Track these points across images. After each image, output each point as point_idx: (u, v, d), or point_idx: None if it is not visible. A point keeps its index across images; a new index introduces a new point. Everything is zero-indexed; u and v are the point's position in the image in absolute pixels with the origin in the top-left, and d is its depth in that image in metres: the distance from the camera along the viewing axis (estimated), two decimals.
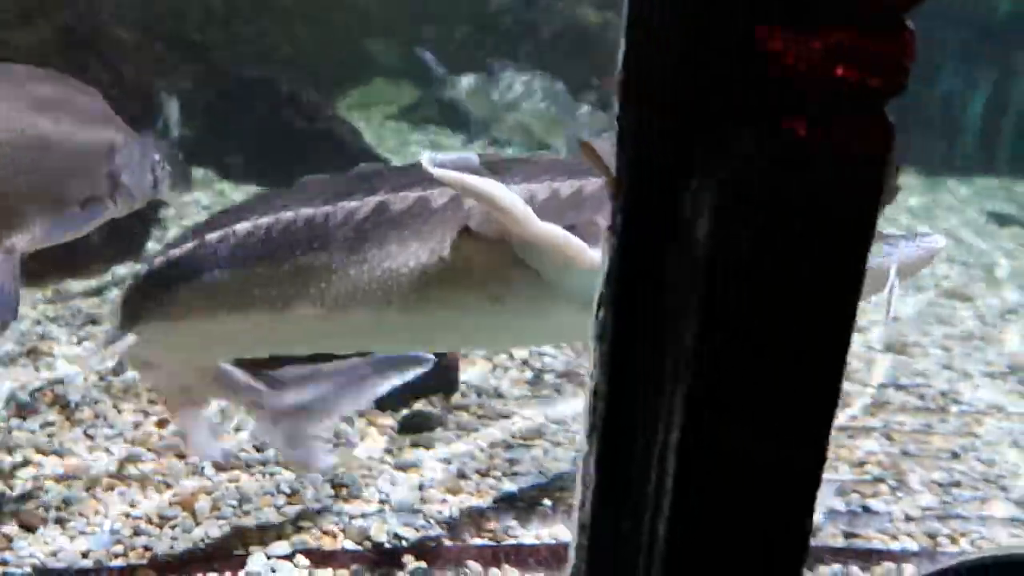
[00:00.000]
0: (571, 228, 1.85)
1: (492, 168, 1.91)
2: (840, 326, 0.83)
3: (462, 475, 2.85)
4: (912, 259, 2.08)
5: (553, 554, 2.58)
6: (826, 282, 0.80)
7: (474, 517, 2.62)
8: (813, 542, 2.68)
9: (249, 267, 1.95)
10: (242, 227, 1.99)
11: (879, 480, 3.17)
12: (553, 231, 1.77)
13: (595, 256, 1.68)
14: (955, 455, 3.45)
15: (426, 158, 1.80)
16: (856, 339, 4.47)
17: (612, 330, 0.87)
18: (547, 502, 2.75)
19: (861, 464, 3.25)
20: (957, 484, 3.19)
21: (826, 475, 2.85)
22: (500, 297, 1.88)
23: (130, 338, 2.08)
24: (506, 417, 3.31)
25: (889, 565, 2.66)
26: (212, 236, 2.02)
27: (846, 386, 3.90)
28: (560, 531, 2.65)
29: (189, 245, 2.05)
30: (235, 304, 1.97)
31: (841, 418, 3.64)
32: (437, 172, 1.78)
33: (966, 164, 9.38)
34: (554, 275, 1.84)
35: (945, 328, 4.87)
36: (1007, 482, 3.20)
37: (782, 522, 0.86)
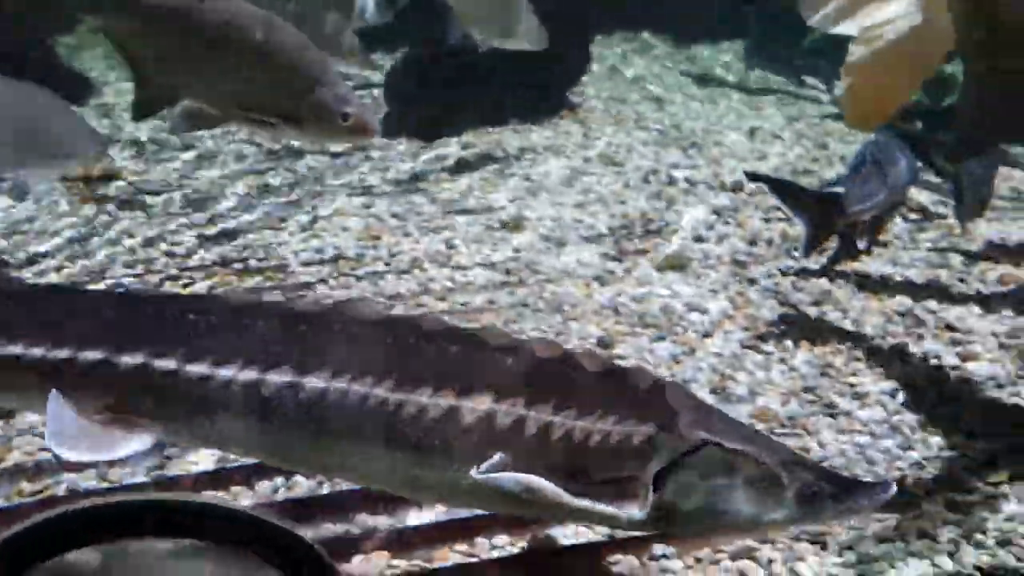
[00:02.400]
0: (611, 481, 1.91)
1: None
2: None
3: None
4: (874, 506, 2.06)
5: None
6: None
7: None
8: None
9: None
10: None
11: None
12: (589, 507, 1.88)
13: (631, 515, 1.87)
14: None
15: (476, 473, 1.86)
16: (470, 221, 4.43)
17: None
18: None
19: None
20: None
21: None
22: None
23: None
24: None
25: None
26: None
27: (411, 278, 3.82)
28: None
29: None
30: None
31: (398, 309, 3.58)
32: (486, 479, 1.85)
33: (720, 28, 9.28)
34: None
35: (582, 197, 4.84)
36: None
37: None
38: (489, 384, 1.92)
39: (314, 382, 1.95)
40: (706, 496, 1.90)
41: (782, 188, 3.68)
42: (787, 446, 2.06)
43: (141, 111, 3.02)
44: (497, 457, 1.89)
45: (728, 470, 1.90)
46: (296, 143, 5.30)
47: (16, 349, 2.02)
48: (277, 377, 1.97)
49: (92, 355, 2.02)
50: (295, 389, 1.95)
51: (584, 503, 1.87)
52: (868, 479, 2.12)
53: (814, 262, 3.85)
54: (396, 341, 1.99)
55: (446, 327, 2.01)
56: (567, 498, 1.87)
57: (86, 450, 1.96)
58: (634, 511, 1.88)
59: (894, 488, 1.95)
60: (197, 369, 1.99)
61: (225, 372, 1.99)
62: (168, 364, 2.00)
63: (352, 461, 1.98)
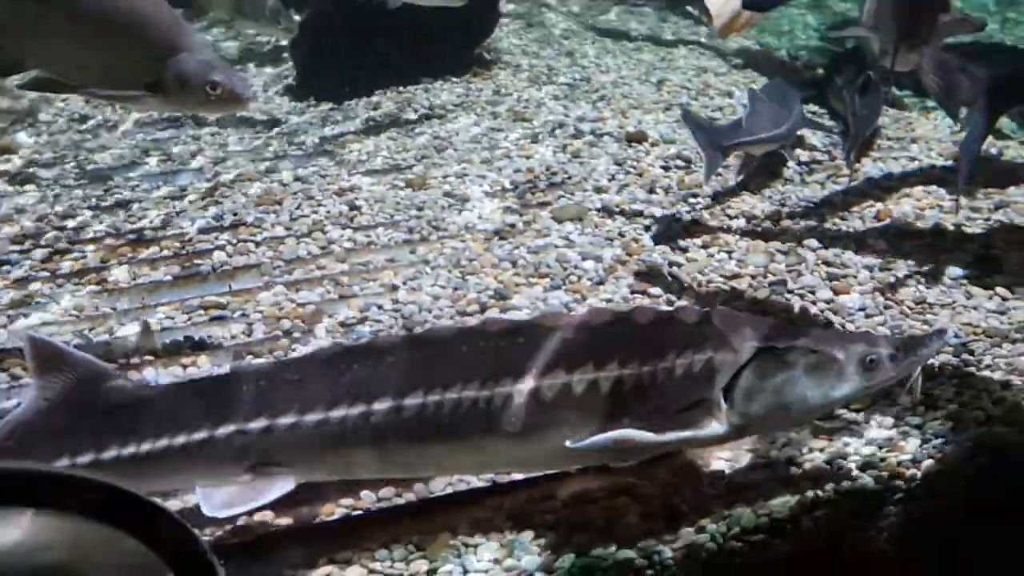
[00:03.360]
0: (697, 403, 2.08)
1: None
2: None
3: None
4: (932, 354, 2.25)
5: None
6: None
7: None
8: None
9: None
10: None
11: (287, 334, 3.08)
12: (676, 438, 2.07)
13: (714, 432, 2.07)
14: (394, 287, 3.40)
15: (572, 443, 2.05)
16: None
17: None
18: None
19: (278, 319, 3.16)
20: (364, 321, 3.16)
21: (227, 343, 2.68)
22: None
23: None
24: None
25: None
26: None
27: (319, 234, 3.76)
28: None
29: None
30: None
31: (298, 272, 3.53)
32: (584, 445, 2.03)
33: None
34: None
35: (488, 153, 4.78)
36: (417, 319, 3.17)
37: None
38: (552, 359, 2.12)
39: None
40: (774, 395, 2.09)
41: (697, 126, 3.98)
42: (836, 329, 2.15)
43: None
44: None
45: (786, 367, 2.09)
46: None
47: (177, 439, 2.14)
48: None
49: (229, 428, 2.15)
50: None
51: (670, 436, 2.07)
52: (921, 333, 2.24)
53: (707, 210, 3.90)
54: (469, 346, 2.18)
55: (502, 326, 2.22)
56: (655, 438, 2.05)
57: (236, 505, 2.11)
58: (716, 428, 2.09)
59: (950, 333, 2.20)
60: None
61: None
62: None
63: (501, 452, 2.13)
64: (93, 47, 2.75)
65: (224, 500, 2.10)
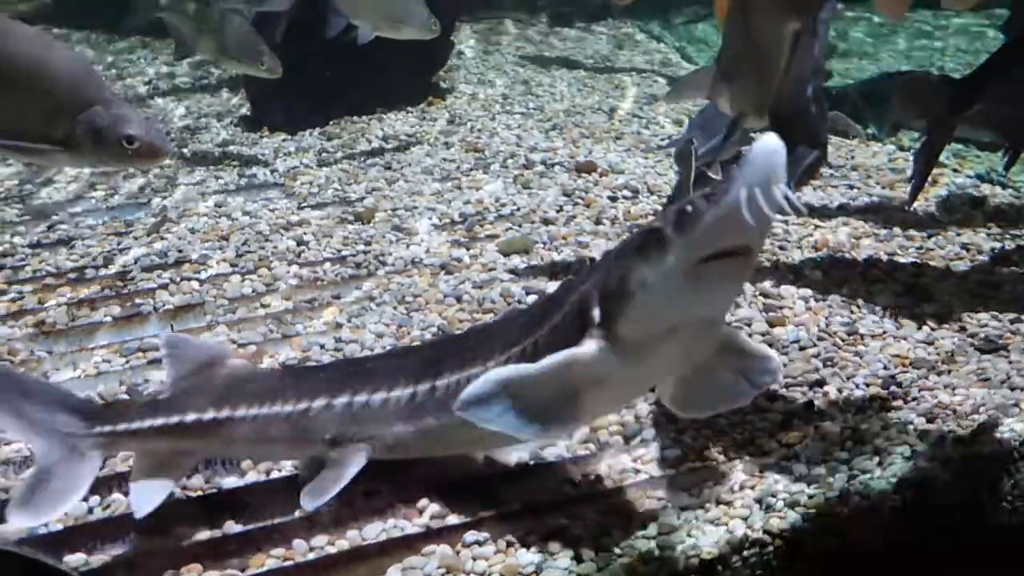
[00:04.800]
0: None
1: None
2: None
3: None
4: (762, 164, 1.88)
5: None
6: None
7: None
8: None
9: None
10: None
11: None
12: (557, 360, 2.14)
13: (594, 349, 2.11)
14: (338, 325, 3.37)
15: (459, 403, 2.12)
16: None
17: None
18: None
19: None
20: (305, 361, 3.12)
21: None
22: None
23: None
24: None
25: None
26: None
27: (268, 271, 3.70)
28: None
29: None
30: None
31: (241, 311, 3.48)
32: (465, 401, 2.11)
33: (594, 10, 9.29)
34: None
35: (439, 185, 4.78)
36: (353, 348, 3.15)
37: None
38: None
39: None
40: (624, 293, 2.06)
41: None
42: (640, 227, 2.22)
43: None
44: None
45: (623, 263, 2.07)
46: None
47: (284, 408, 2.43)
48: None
49: (318, 403, 2.42)
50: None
51: (546, 362, 2.10)
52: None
53: None
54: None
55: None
56: (536, 368, 2.11)
57: (326, 492, 2.28)
58: (592, 345, 2.10)
59: (776, 142, 1.83)
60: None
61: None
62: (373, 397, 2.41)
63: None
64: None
65: (314, 493, 2.28)
